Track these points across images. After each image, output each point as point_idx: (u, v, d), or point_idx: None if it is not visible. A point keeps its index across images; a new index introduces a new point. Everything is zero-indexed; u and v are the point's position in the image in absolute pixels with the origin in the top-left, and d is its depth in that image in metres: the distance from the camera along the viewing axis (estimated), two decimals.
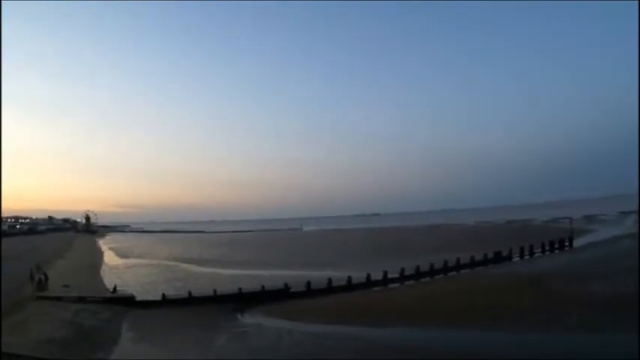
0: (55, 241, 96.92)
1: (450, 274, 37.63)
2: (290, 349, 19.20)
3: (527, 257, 43.72)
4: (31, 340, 20.20)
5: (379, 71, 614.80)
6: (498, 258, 41.54)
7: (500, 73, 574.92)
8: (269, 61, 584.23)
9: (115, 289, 34.78)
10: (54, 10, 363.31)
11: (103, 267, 59.46)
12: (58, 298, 30.10)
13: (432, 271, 37.13)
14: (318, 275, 35.88)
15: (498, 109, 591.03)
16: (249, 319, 26.11)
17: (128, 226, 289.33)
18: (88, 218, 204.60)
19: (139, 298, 31.69)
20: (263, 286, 31.18)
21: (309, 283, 32.33)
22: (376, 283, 34.03)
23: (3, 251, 57.84)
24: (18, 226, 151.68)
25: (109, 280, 43.51)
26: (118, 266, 62.07)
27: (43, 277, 35.52)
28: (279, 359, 18.55)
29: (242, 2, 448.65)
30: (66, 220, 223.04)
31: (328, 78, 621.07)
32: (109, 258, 76.17)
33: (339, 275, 34.55)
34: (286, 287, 31.65)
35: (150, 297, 32.49)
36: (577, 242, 49.77)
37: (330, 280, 32.73)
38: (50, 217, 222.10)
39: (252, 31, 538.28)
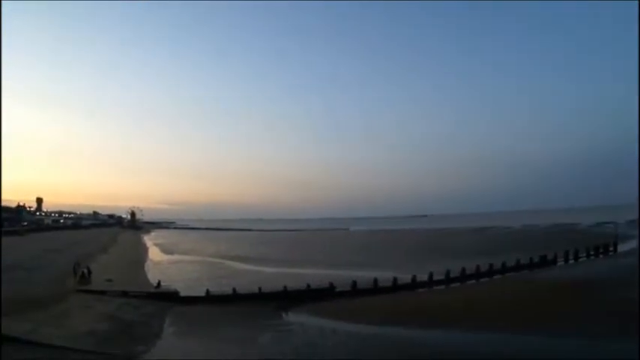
0: (99, 236, 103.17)
1: (496, 277, 39.79)
2: (333, 349, 20.63)
3: (571, 262, 45.79)
4: (71, 332, 21.46)
5: (437, 71, 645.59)
6: (544, 262, 43.93)
7: (556, 75, 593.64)
8: (326, 61, 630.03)
9: (158, 284, 36.91)
10: (104, 7, 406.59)
11: (148, 262, 63.33)
12: (101, 292, 32.17)
13: (478, 274, 39.40)
14: (364, 275, 37.79)
15: (549, 113, 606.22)
16: (294, 317, 27.71)
17: (174, 222, 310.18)
18: (133, 214, 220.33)
19: (182, 293, 33.53)
20: (308, 285, 33.23)
21: (354, 283, 34.30)
22: (422, 284, 36.12)
23: (46, 245, 63.39)
24: (62, 221, 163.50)
25: (153, 275, 46.22)
26: (162, 262, 66.19)
27: (86, 271, 38.10)
28: (322, 358, 19.72)
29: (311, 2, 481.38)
30: (111, 216, 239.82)
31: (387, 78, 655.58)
32: (154, 254, 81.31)
33: (384, 276, 36.48)
34: (332, 286, 33.68)
35: (194, 293, 34.27)
36: (621, 247, 53.03)
37: (375, 281, 34.62)
38: (95, 213, 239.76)
39: (316, 31, 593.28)
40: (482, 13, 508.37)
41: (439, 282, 37.01)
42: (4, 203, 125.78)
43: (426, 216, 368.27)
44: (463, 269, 38.83)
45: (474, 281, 38.25)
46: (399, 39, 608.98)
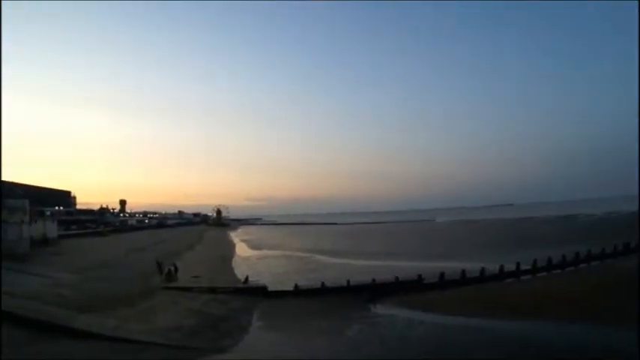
0: (184, 235, 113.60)
1: (581, 266, 42.25)
2: (421, 340, 22.69)
3: None
4: (156, 328, 23.45)
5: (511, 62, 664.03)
6: (627, 250, 45.54)
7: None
8: (403, 51, 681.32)
9: (246, 279, 39.41)
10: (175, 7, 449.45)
11: (235, 258, 68.31)
12: (188, 289, 35.09)
13: (564, 264, 41.63)
14: (452, 266, 41.13)
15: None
16: (382, 309, 30.13)
17: (260, 219, 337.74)
18: (219, 212, 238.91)
19: (270, 288, 35.94)
20: (397, 277, 35.90)
21: (442, 275, 36.91)
22: (509, 274, 38.84)
23: (131, 244, 70.03)
24: (146, 221, 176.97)
25: (241, 271, 49.58)
26: (249, 258, 71.42)
27: (172, 268, 41.26)
28: (410, 349, 21.51)
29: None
30: (196, 215, 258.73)
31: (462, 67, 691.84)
32: (241, 250, 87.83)
33: (472, 266, 39.52)
34: (420, 278, 36.34)
35: (282, 287, 36.73)
36: None
37: (463, 272, 37.38)
38: (180, 212, 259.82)
39: (391, 32, 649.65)
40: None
41: (526, 272, 39.49)
42: (87, 206, 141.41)
43: (512, 205, 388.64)
44: (549, 259, 41.06)
45: (559, 271, 40.55)
46: (476, 30, 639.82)
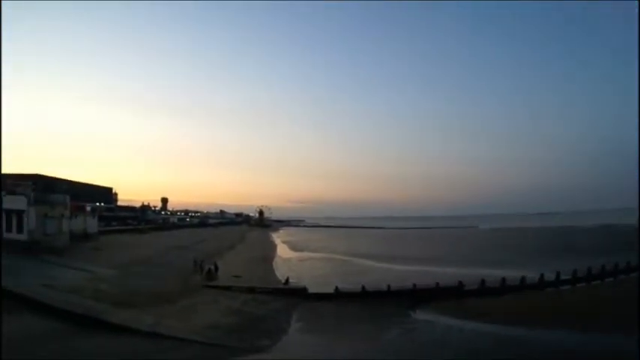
0: (226, 234, 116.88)
1: (620, 277, 42.19)
2: (458, 347, 23.50)
3: None
4: (194, 326, 24.13)
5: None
6: None
7: None
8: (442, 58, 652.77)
9: (287, 280, 40.41)
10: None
11: (276, 259, 69.49)
12: (227, 288, 36.07)
13: (603, 274, 41.88)
14: (493, 274, 41.76)
15: None
16: (422, 315, 30.86)
17: (303, 221, 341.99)
18: (261, 213, 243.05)
19: (311, 290, 36.47)
20: (437, 283, 36.60)
21: (483, 282, 37.55)
22: (549, 284, 39.09)
23: (172, 242, 72.08)
24: (188, 220, 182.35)
25: (282, 272, 50.48)
26: (291, 259, 72.88)
27: (213, 267, 42.61)
28: (446, 356, 22.29)
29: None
30: (238, 215, 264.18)
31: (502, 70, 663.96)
32: (283, 251, 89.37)
33: (513, 274, 40.17)
34: (460, 285, 37.10)
35: (322, 290, 37.16)
36: None
37: (503, 280, 37.94)
38: (222, 212, 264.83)
39: (430, 33, 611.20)
40: None
41: (565, 282, 39.76)
42: (129, 203, 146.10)
43: (558, 213, 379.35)
44: (589, 269, 41.11)
45: (599, 281, 40.72)
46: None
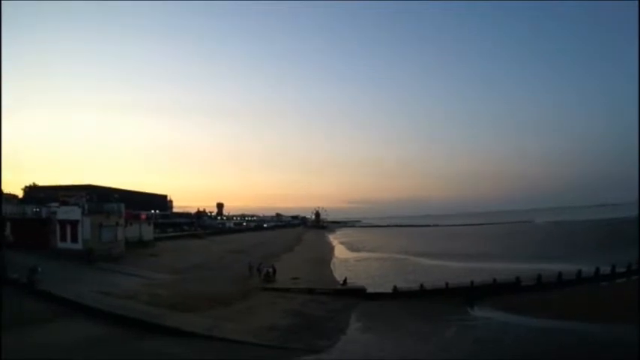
0: (283, 237, 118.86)
1: None
2: (515, 343, 23.79)
3: None
4: (252, 328, 24.31)
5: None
6: None
7: None
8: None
9: (345, 281, 40.54)
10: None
11: (333, 260, 69.94)
12: (286, 290, 36.56)
13: None
14: (549, 268, 42.85)
15: None
16: (479, 312, 31.61)
17: (359, 221, 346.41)
18: (317, 214, 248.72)
19: (369, 290, 36.86)
20: (495, 279, 37.50)
21: (539, 277, 38.14)
22: (604, 277, 39.99)
23: (229, 246, 73.54)
24: (244, 224, 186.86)
25: (340, 273, 50.80)
26: (348, 260, 72.92)
27: (271, 269, 43.02)
28: (504, 353, 22.42)
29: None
30: (294, 217, 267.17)
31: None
32: (340, 252, 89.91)
33: (569, 268, 41.19)
34: (517, 280, 37.64)
35: (381, 289, 37.58)
36: None
37: (559, 274, 38.74)
38: (278, 215, 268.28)
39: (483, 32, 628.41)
40: None
41: (621, 275, 40.46)
42: (185, 210, 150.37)
43: (617, 205, 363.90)
44: None
45: None
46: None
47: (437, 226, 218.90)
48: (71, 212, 45.54)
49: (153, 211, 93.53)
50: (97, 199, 51.30)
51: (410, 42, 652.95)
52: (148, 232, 63.99)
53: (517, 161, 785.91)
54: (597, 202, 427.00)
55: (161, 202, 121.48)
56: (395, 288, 36.45)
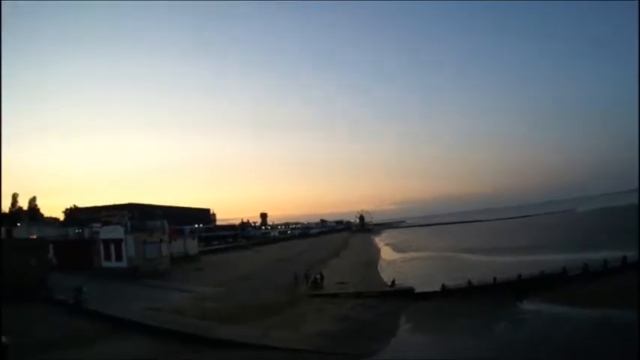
0: (328, 242, 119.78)
1: None
2: (567, 336, 23.67)
3: None
4: (302, 335, 24.48)
5: None
6: None
7: None
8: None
9: (393, 282, 40.37)
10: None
11: (380, 262, 69.68)
12: (334, 295, 36.56)
13: None
14: (595, 257, 41.51)
15: None
16: (528, 305, 31.33)
17: (403, 221, 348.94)
18: (362, 218, 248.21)
19: (417, 290, 36.65)
20: (542, 272, 36.84)
21: (585, 266, 37.40)
22: None
23: (275, 255, 74.26)
24: (289, 232, 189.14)
25: (387, 274, 50.69)
26: (395, 261, 73.40)
27: (318, 276, 43.17)
28: (555, 348, 22.15)
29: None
30: (339, 222, 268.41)
31: None
32: (386, 254, 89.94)
33: (615, 255, 39.76)
34: (564, 271, 36.98)
35: (429, 288, 37.22)
36: None
37: (605, 262, 37.75)
38: (322, 221, 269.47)
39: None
40: None
41: None
42: (228, 222, 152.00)
43: None
44: None
45: None
46: None
47: (479, 221, 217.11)
48: (114, 231, 46.75)
49: (196, 226, 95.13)
50: (140, 216, 52.45)
51: (442, 35, 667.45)
52: (192, 246, 65.17)
53: (554, 151, 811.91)
54: (632, 186, 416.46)
55: (204, 215, 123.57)
56: (443, 286, 36.44)
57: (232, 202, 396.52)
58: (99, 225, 50.54)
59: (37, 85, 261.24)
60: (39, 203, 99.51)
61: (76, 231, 56.60)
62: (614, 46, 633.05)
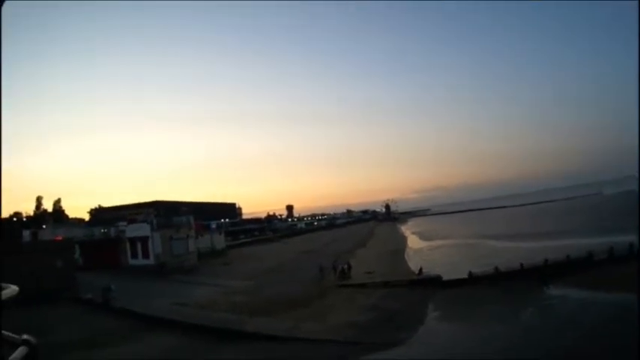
0: (355, 233, 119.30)
1: None
2: (594, 321, 23.59)
3: None
4: (331, 326, 24.69)
5: None
6: None
7: None
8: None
9: (420, 271, 40.51)
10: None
11: (407, 251, 69.81)
12: (362, 285, 36.81)
13: None
14: (621, 241, 40.81)
15: None
16: (555, 290, 31.43)
17: (429, 209, 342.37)
18: (387, 207, 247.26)
19: (445, 278, 36.82)
20: (568, 256, 37.12)
21: (611, 250, 37.45)
22: None
23: (302, 247, 74.87)
24: (315, 223, 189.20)
25: (414, 263, 50.43)
26: (422, 249, 73.12)
27: (346, 266, 43.50)
28: (582, 332, 22.33)
29: None
30: (365, 212, 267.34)
31: None
32: (413, 242, 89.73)
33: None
34: (589, 255, 37.09)
35: (456, 276, 37.41)
36: None
37: (630, 246, 37.08)
38: (348, 211, 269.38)
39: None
40: None
41: None
42: (254, 215, 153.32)
43: None
44: None
45: None
46: None
47: (504, 207, 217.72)
48: (140, 229, 47.57)
49: (223, 220, 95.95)
50: (165, 214, 53.15)
51: (463, 27, 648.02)
52: (219, 241, 65.94)
53: (579, 135, 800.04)
54: None
55: (230, 210, 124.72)
56: (470, 273, 36.71)
57: (258, 196, 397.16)
58: (124, 224, 51.40)
59: (57, 88, 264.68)
60: (64, 205, 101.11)
61: (102, 230, 57.66)
62: None
